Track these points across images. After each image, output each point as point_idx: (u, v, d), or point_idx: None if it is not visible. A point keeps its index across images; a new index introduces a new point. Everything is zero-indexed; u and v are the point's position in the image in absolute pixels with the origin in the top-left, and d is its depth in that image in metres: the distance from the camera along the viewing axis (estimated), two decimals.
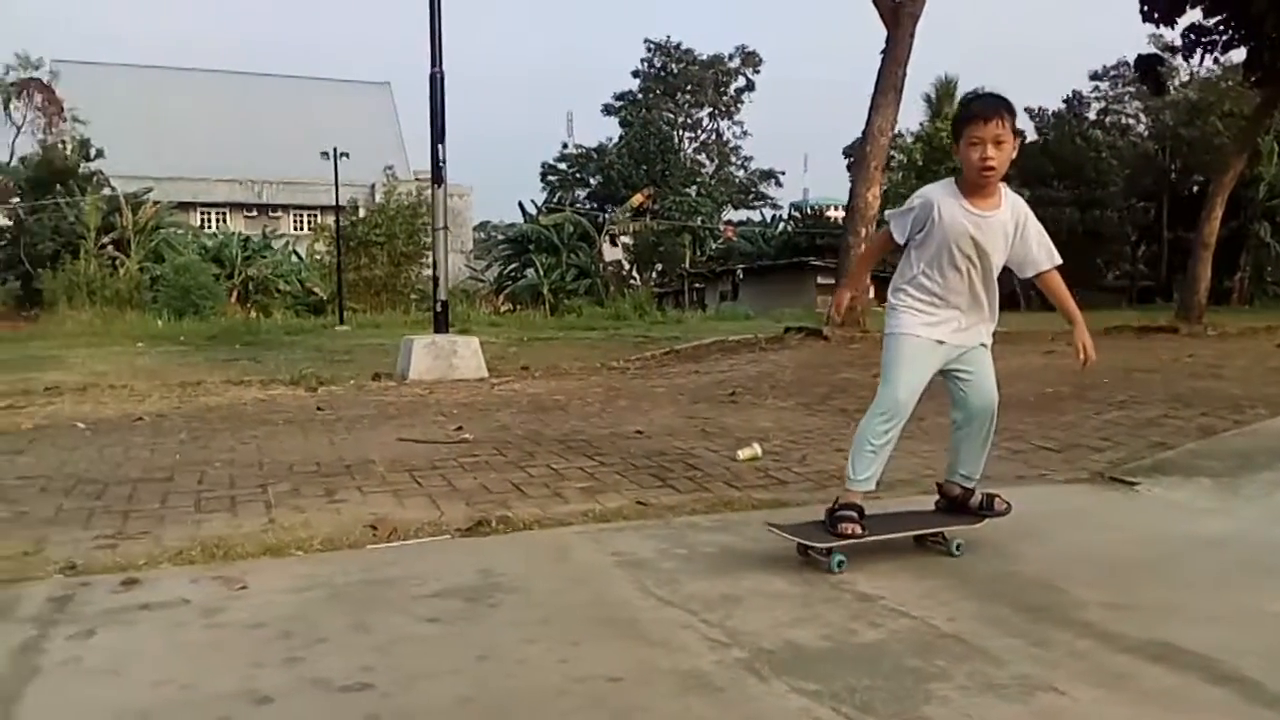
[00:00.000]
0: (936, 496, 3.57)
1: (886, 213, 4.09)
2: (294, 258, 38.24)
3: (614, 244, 44.80)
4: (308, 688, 2.38)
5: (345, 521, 3.96)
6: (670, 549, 3.50)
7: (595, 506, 4.16)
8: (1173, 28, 16.88)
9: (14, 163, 38.59)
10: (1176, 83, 34.81)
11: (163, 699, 2.34)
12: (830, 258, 39.05)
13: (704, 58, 58.75)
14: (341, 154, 29.20)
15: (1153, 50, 20.98)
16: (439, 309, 10.30)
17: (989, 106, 3.24)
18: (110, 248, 33.16)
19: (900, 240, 3.38)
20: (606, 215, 46.33)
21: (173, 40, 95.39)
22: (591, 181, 57.15)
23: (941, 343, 3.30)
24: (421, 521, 3.94)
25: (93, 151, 38.45)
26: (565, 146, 59.54)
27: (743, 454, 5.10)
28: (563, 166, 58.63)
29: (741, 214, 59.12)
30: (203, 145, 46.80)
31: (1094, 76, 45.86)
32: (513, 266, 43.11)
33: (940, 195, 3.30)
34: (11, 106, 39.55)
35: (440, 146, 10.04)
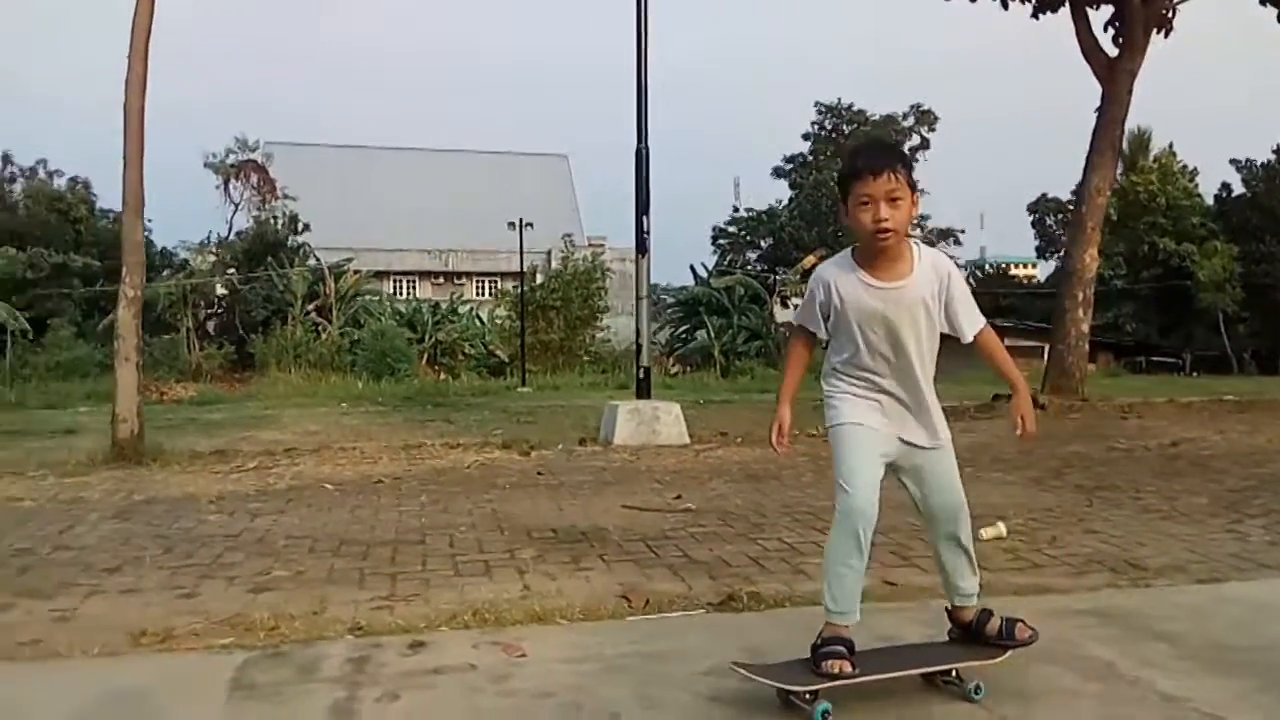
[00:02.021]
0: (949, 625, 3.13)
1: (800, 301, 3.59)
2: (478, 322, 39.99)
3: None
4: None
5: (597, 590, 4.04)
6: (935, 635, 3.37)
7: None
8: None
9: (231, 237, 42.16)
10: None
11: None
12: (1015, 318, 37.65)
13: (877, 118, 58.25)
14: (526, 224, 30.48)
15: None
16: (641, 375, 10.50)
17: (878, 159, 2.79)
18: (314, 314, 35.61)
19: (822, 336, 2.97)
20: (777, 277, 46.25)
21: (372, 122, 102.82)
22: (762, 244, 57.30)
23: (896, 436, 2.87)
24: (672, 594, 3.98)
25: (300, 225, 41.59)
26: (736, 210, 60.09)
27: (986, 533, 4.89)
28: (733, 229, 59.13)
29: None
30: (396, 217, 49.93)
31: None
32: (684, 328, 43.59)
33: (835, 274, 2.87)
34: (231, 186, 43.32)
35: (645, 218, 10.34)
